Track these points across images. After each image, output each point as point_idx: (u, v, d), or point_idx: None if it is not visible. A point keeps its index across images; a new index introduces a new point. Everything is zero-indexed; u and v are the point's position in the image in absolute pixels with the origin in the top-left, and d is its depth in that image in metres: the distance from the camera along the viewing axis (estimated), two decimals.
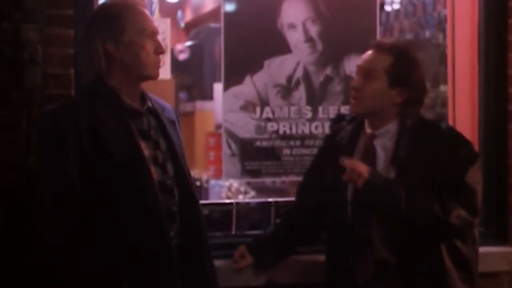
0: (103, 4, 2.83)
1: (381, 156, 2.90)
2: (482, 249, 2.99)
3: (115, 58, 2.70)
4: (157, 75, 2.76)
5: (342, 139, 3.01)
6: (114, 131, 2.64)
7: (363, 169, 2.79)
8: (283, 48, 3.49)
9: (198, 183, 5.47)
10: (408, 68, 2.88)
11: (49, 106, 2.71)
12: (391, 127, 2.91)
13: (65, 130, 2.58)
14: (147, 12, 2.79)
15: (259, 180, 3.53)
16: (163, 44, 2.78)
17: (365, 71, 2.89)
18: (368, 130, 2.94)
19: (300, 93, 3.51)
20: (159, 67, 2.76)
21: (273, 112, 3.49)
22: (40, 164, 2.69)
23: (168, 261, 2.64)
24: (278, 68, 3.49)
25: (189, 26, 7.94)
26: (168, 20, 3.46)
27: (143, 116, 2.74)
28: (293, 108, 3.51)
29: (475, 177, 2.85)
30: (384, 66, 2.86)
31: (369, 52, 2.93)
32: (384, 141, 2.91)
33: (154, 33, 2.75)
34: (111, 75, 2.71)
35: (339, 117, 3.19)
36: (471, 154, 2.88)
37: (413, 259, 2.83)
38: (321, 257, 3.12)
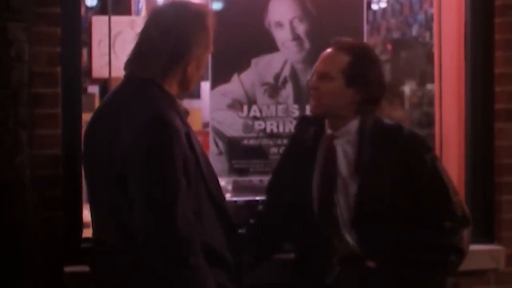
0: (201, 9, 2.54)
1: (343, 162, 2.89)
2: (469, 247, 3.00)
3: (184, 70, 2.50)
4: None
5: (307, 141, 3.00)
6: (195, 136, 2.48)
7: None
8: (271, 46, 3.49)
9: None
10: (366, 68, 2.88)
11: (150, 110, 2.34)
12: (351, 127, 2.90)
13: (180, 132, 2.36)
14: None
15: (247, 178, 3.52)
16: None
17: (321, 72, 2.89)
18: (329, 131, 2.94)
19: (288, 92, 3.51)
20: None
21: (260, 111, 3.49)
22: (157, 171, 2.31)
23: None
24: (265, 67, 3.49)
25: None
26: None
27: None
28: (280, 107, 3.51)
29: (445, 171, 2.93)
30: (341, 66, 2.86)
31: (327, 51, 2.93)
32: (343, 142, 2.90)
33: None
34: (167, 82, 2.49)
35: (303, 118, 3.19)
36: (434, 156, 2.94)
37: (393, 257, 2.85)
38: None
